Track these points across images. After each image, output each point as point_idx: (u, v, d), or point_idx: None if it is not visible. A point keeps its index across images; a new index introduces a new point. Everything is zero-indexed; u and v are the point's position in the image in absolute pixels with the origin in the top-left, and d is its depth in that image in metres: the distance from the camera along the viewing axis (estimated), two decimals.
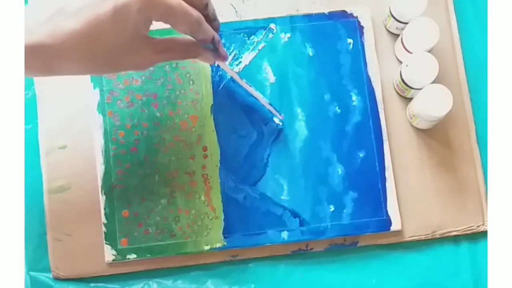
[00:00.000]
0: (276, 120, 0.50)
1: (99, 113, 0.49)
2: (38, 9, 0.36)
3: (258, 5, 0.52)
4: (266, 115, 0.49)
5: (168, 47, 0.40)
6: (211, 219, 0.48)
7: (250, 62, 0.51)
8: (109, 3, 0.35)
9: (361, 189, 0.49)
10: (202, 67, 0.50)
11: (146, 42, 0.39)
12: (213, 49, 0.42)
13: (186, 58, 0.43)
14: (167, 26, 0.38)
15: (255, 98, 0.49)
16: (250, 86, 0.49)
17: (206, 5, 0.40)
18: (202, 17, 0.39)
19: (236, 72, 0.50)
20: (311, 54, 0.51)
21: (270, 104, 0.49)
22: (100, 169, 0.48)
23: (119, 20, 0.35)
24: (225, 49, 0.44)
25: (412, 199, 0.49)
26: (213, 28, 0.41)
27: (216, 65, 0.46)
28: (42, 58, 0.35)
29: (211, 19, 0.41)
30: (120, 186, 0.48)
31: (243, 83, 0.48)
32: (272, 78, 0.50)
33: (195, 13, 0.38)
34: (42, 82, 0.50)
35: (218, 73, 0.50)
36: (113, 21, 0.35)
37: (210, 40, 0.41)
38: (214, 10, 0.42)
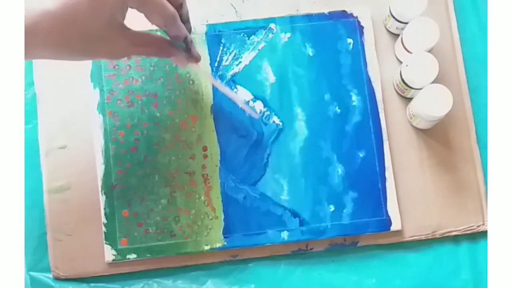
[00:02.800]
0: (276, 120, 0.50)
1: (99, 113, 0.49)
2: None
3: (258, 5, 0.52)
4: (267, 116, 0.49)
5: (143, 41, 0.40)
6: (211, 219, 0.48)
7: (250, 62, 0.51)
8: None
9: (361, 189, 0.49)
10: (202, 67, 0.50)
11: (122, 31, 0.38)
12: (186, 50, 0.43)
13: (159, 55, 0.43)
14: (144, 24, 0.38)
15: (231, 99, 0.49)
16: (225, 86, 0.49)
17: (181, 5, 0.41)
18: (177, 14, 0.39)
19: (236, 72, 0.50)
20: (311, 54, 0.51)
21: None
22: (100, 169, 0.48)
23: (95, 4, 0.35)
24: (197, 51, 0.44)
25: (412, 199, 0.49)
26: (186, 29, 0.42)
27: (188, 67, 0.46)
28: None
29: (184, 20, 0.42)
30: (120, 186, 0.48)
31: (217, 83, 0.48)
32: (272, 78, 0.50)
33: (171, 7, 0.38)
34: (42, 82, 0.50)
35: (218, 73, 0.50)
36: (89, 4, 0.35)
37: (183, 38, 0.41)
38: (187, 12, 0.42)
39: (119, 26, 0.38)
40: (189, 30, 0.43)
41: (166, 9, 0.38)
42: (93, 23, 0.36)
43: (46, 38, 0.35)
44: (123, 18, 0.38)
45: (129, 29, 0.39)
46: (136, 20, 0.39)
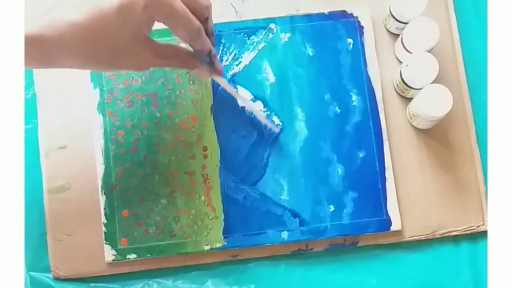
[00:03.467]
0: (276, 120, 0.50)
1: (99, 113, 0.49)
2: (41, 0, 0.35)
3: (258, 5, 0.52)
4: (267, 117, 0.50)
5: (168, 53, 0.40)
6: (211, 219, 0.48)
7: (250, 62, 0.51)
8: None
9: (361, 189, 0.49)
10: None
11: (147, 43, 0.39)
12: (209, 63, 0.43)
13: (183, 68, 0.44)
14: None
15: (252, 111, 0.49)
16: (248, 100, 0.49)
17: (207, 19, 0.41)
18: (202, 28, 0.39)
19: (236, 72, 0.50)
20: (311, 54, 0.51)
21: (267, 118, 0.49)
22: (100, 169, 0.48)
23: (123, 16, 0.35)
24: (220, 64, 0.45)
25: (412, 199, 0.49)
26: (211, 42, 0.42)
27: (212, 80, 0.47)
28: (40, 49, 0.34)
29: (209, 34, 0.42)
30: (120, 186, 0.48)
31: (239, 96, 0.48)
32: (272, 78, 0.50)
33: (196, 21, 0.39)
34: (42, 82, 0.50)
35: None
36: (117, 16, 0.35)
37: (207, 52, 0.41)
38: (213, 26, 0.43)
39: (144, 39, 0.38)
40: (213, 44, 0.43)
41: (192, 24, 0.38)
42: (120, 35, 0.36)
43: (72, 49, 0.35)
44: (149, 31, 0.39)
45: (154, 41, 0.39)
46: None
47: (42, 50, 0.35)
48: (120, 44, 0.36)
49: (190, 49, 0.42)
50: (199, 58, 0.42)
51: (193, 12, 0.38)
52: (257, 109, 0.49)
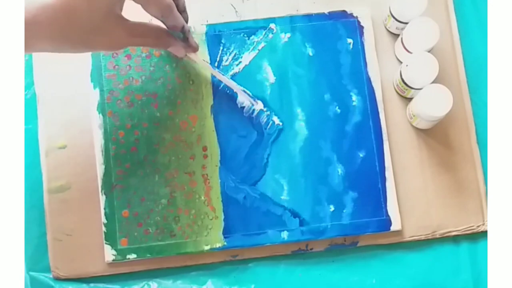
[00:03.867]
0: (276, 120, 0.50)
1: (99, 113, 0.49)
2: None
3: (258, 5, 0.52)
4: (267, 117, 0.50)
5: (141, 31, 0.41)
6: (211, 219, 0.48)
7: (250, 62, 0.51)
8: None
9: (361, 189, 0.49)
10: (202, 67, 0.50)
11: (120, 22, 0.39)
12: (183, 39, 0.43)
13: (158, 46, 0.44)
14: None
15: (230, 87, 0.49)
16: (223, 74, 0.49)
17: None
18: (173, 4, 0.40)
19: (236, 72, 0.50)
20: (311, 54, 0.51)
21: (245, 92, 0.49)
22: (100, 169, 0.48)
23: None
24: (195, 40, 0.45)
25: (412, 199, 0.49)
26: (183, 18, 0.42)
27: (185, 55, 0.47)
28: None
29: (181, 10, 0.42)
30: (120, 186, 0.48)
31: (215, 72, 0.48)
32: (272, 78, 0.50)
33: None
34: (42, 82, 0.50)
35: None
36: None
37: (180, 28, 0.42)
38: (184, 2, 0.43)
39: (117, 18, 0.38)
40: (186, 20, 0.44)
41: (163, 0, 0.38)
42: (91, 15, 0.36)
43: (45, 31, 0.35)
44: (121, 9, 0.39)
45: (127, 20, 0.39)
46: (134, 11, 0.40)
47: None
48: (92, 24, 0.37)
49: (164, 27, 0.42)
50: (173, 35, 0.42)
51: None
52: (238, 87, 0.49)
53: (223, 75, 0.49)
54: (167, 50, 0.47)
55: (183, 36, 0.43)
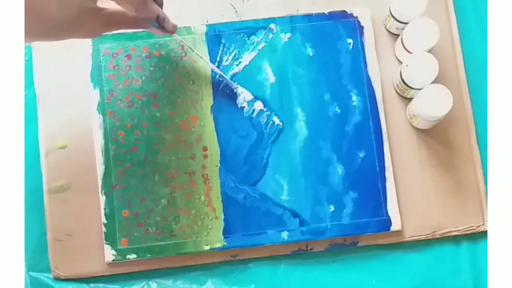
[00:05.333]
0: (276, 120, 0.50)
1: (99, 113, 0.49)
2: None
3: (258, 5, 0.52)
4: (267, 117, 0.50)
5: (117, 20, 0.41)
6: (211, 219, 0.48)
7: (250, 62, 0.51)
8: None
9: (361, 189, 0.49)
10: (202, 67, 0.50)
11: (95, 14, 0.39)
12: (159, 27, 0.43)
13: (135, 29, 0.44)
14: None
15: (212, 70, 0.49)
16: (201, 57, 0.49)
17: None
18: None
19: (236, 72, 0.50)
20: (311, 54, 0.51)
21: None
22: (100, 169, 0.48)
23: None
24: (171, 23, 0.44)
25: (412, 199, 0.49)
26: (158, 5, 0.42)
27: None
28: None
29: (158, 2, 0.42)
30: (120, 186, 0.48)
31: (210, 64, 0.49)
32: (272, 78, 0.50)
33: None
34: (42, 82, 0.50)
35: (219, 73, 0.50)
36: None
37: (155, 19, 0.42)
38: None
39: (91, 11, 0.38)
40: (161, 5, 0.43)
41: None
42: (63, 12, 0.36)
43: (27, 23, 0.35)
44: (95, 2, 0.39)
45: (102, 9, 0.39)
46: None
47: None
48: (65, 20, 0.37)
49: None
50: (149, 24, 0.43)
51: None
52: (214, 67, 0.49)
53: (201, 57, 0.49)
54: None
55: (159, 25, 0.43)
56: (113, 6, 0.40)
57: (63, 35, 0.38)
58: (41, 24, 0.36)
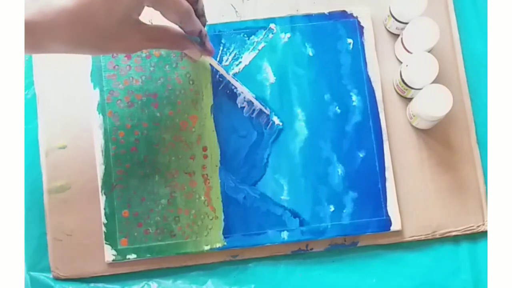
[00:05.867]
0: (276, 120, 0.50)
1: (99, 113, 0.49)
2: None
3: (258, 5, 0.52)
4: (267, 116, 0.50)
5: (158, 36, 0.41)
6: (211, 219, 0.48)
7: (250, 62, 0.51)
8: None
9: (361, 189, 0.49)
10: (202, 67, 0.50)
11: (137, 27, 0.39)
12: (200, 43, 0.44)
13: (174, 49, 0.44)
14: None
15: (245, 95, 0.49)
16: (240, 83, 0.49)
17: (197, 0, 0.41)
18: (192, 9, 0.40)
19: (236, 72, 0.50)
20: (311, 54, 0.51)
21: (259, 102, 0.49)
22: (100, 169, 0.48)
23: (111, 2, 0.36)
24: (211, 44, 0.45)
25: (412, 199, 0.49)
26: (201, 22, 0.43)
27: (200, 57, 0.47)
28: (30, 35, 0.35)
29: (199, 15, 0.43)
30: (120, 186, 0.48)
31: (232, 79, 0.49)
32: (272, 78, 0.50)
33: (186, 4, 0.39)
34: (42, 82, 0.50)
35: (218, 73, 0.50)
36: (104, 2, 0.35)
37: (198, 32, 0.42)
38: (203, 6, 0.43)
39: (133, 23, 0.38)
40: (204, 24, 0.44)
41: (181, 6, 0.39)
42: (108, 20, 0.36)
43: (62, 35, 0.36)
44: (139, 15, 0.39)
45: (144, 24, 0.39)
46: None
47: (32, 36, 0.35)
48: (109, 29, 0.37)
49: (180, 30, 0.42)
50: (190, 39, 0.43)
51: None
52: (250, 95, 0.49)
53: (237, 81, 0.49)
54: (183, 52, 0.48)
55: (200, 40, 0.43)
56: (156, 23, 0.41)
57: (104, 45, 0.38)
58: (85, 30, 0.36)
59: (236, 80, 0.49)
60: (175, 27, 0.42)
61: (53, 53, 0.37)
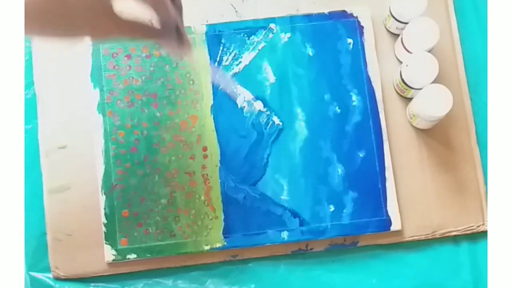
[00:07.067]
0: (276, 120, 0.50)
1: (99, 113, 0.49)
2: None
3: (258, 5, 0.52)
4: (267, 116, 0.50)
5: (130, 24, 0.40)
6: (211, 219, 0.48)
7: (250, 62, 0.51)
8: None
9: (361, 189, 0.49)
10: (202, 67, 0.50)
11: (109, 12, 0.38)
12: (178, 37, 0.41)
13: (147, 39, 0.42)
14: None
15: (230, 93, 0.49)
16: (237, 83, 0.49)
17: None
18: None
19: (236, 72, 0.50)
20: (311, 54, 0.51)
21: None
22: (100, 169, 0.48)
23: None
24: (188, 37, 0.42)
25: (412, 199, 0.49)
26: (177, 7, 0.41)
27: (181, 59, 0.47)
28: None
29: (176, 4, 0.41)
30: (120, 186, 0.48)
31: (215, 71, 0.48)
32: (272, 78, 0.50)
33: None
34: (42, 82, 0.50)
35: (218, 74, 0.50)
36: None
37: (173, 24, 0.41)
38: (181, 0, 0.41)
39: (105, 8, 0.38)
40: (181, 15, 0.42)
41: None
42: (78, 3, 0.36)
43: (31, 15, 0.35)
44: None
45: (118, 11, 0.39)
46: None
47: None
48: (81, 13, 0.36)
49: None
50: (165, 30, 0.41)
51: None
52: (230, 84, 0.49)
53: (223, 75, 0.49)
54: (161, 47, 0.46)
55: (177, 35, 0.42)
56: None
57: (72, 27, 0.37)
58: (55, 11, 0.36)
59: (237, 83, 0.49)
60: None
61: (27, 35, 0.37)
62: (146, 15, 0.40)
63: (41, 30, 0.37)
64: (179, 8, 0.42)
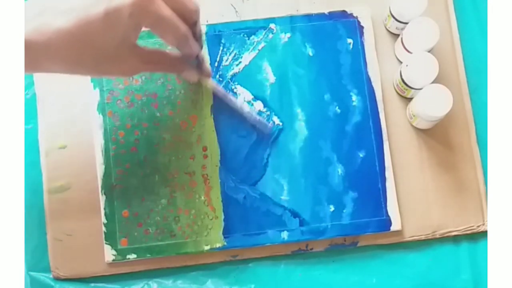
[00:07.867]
0: (276, 120, 0.50)
1: (99, 113, 0.49)
2: (29, 4, 0.35)
3: (258, 5, 0.52)
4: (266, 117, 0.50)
5: (154, 59, 0.41)
6: (211, 219, 0.48)
7: (250, 62, 0.51)
8: (101, 6, 0.35)
9: (361, 189, 0.49)
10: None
11: (134, 50, 0.39)
12: (197, 66, 0.44)
13: (171, 72, 0.44)
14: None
15: (243, 113, 0.49)
16: (237, 98, 0.49)
17: (195, 23, 0.41)
18: (190, 33, 0.39)
19: (236, 72, 0.50)
20: (311, 54, 0.51)
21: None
22: (100, 169, 0.48)
23: (109, 23, 0.35)
24: (208, 67, 0.46)
25: (412, 199, 0.49)
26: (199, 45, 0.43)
27: (198, 81, 0.47)
28: (27, 54, 0.35)
29: (197, 37, 0.42)
30: (120, 186, 0.48)
31: (232, 97, 0.48)
32: (272, 78, 0.50)
33: (183, 27, 0.39)
34: (42, 82, 0.50)
35: (218, 74, 0.50)
36: (103, 23, 0.35)
37: (195, 56, 0.42)
38: (201, 30, 0.43)
39: (131, 46, 0.38)
40: (201, 46, 0.44)
41: (179, 29, 0.38)
42: (106, 42, 0.36)
43: (58, 55, 0.35)
44: (136, 38, 0.39)
45: (141, 48, 0.39)
46: None
47: (29, 55, 0.35)
48: (106, 51, 0.36)
49: (177, 52, 0.42)
50: (187, 62, 0.43)
51: (181, 17, 0.38)
52: (248, 108, 0.49)
53: (237, 99, 0.49)
54: (180, 75, 0.48)
55: (197, 63, 0.44)
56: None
57: (100, 67, 0.37)
58: (82, 52, 0.36)
59: (236, 98, 0.49)
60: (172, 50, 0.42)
61: (50, 72, 0.37)
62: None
63: (68, 69, 0.37)
64: (200, 41, 0.43)
